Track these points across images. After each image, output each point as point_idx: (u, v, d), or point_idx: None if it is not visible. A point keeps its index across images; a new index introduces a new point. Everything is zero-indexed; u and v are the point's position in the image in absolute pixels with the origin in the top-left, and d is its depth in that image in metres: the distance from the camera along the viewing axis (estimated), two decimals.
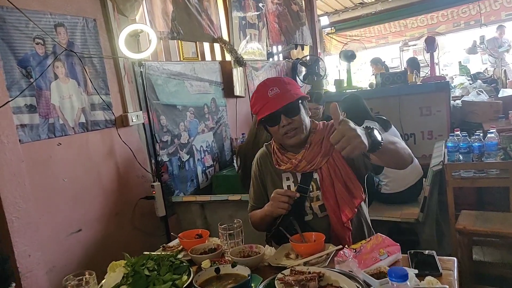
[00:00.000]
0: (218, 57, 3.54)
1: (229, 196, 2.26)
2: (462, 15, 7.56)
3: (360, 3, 7.62)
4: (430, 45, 4.58)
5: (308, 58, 5.09)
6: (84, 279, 1.07)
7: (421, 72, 5.55)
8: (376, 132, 1.11)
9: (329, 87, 5.79)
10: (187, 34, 2.99)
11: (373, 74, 5.63)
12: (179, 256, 1.39)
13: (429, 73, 4.74)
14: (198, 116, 3.03)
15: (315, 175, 1.42)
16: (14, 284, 1.58)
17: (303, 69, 5.04)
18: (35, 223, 1.71)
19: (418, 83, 4.58)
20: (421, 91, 4.22)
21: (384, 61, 6.34)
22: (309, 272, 1.09)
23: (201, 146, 3.04)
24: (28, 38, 1.78)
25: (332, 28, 8.11)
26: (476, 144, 2.47)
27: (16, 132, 1.68)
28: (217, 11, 3.40)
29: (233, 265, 1.17)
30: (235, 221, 1.39)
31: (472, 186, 2.53)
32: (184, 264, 1.23)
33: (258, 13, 4.08)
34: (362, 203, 1.46)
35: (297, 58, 5.09)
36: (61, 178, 1.91)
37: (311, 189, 1.42)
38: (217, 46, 3.51)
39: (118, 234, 2.20)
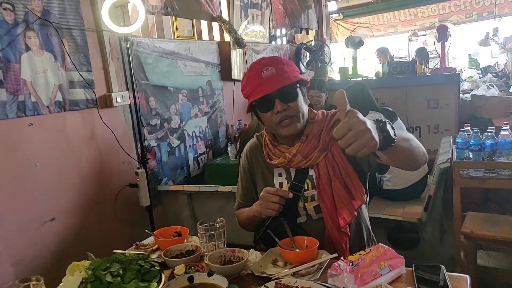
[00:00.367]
0: (216, 37, 3.33)
1: (219, 187, 2.09)
2: (475, 6, 7.32)
3: None
4: (442, 34, 4.36)
5: (313, 43, 4.87)
6: (31, 285, 0.91)
7: (430, 63, 5.33)
8: (389, 127, 0.91)
9: (334, 75, 5.58)
10: (182, 10, 2.78)
11: (380, 63, 5.43)
12: (153, 256, 1.24)
13: (439, 64, 4.52)
14: (191, 99, 2.84)
15: (311, 172, 1.24)
16: None
17: (307, 55, 4.82)
18: None
19: (427, 74, 4.38)
20: (430, 82, 4.08)
21: (391, 52, 6.10)
22: (297, 287, 0.93)
23: (194, 131, 2.86)
24: None
25: (340, 14, 7.85)
26: (488, 141, 2.28)
27: None
28: None
29: (210, 274, 1.01)
30: (218, 220, 1.22)
31: (481, 186, 2.36)
32: (155, 268, 1.07)
33: None
34: (363, 205, 1.28)
35: (301, 43, 4.87)
36: (33, 162, 1.73)
37: (306, 188, 1.24)
38: (215, 25, 3.30)
39: (98, 224, 2.04)
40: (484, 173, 2.29)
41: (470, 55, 6.99)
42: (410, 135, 1.05)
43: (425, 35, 7.51)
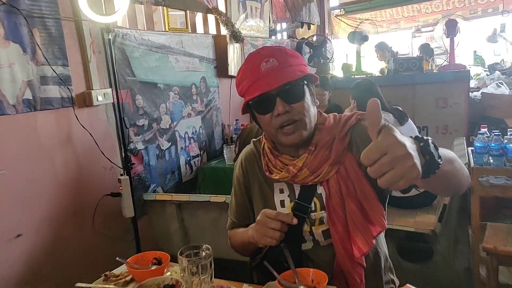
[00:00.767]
0: (212, 30, 3.10)
1: (211, 197, 1.86)
2: (480, 2, 7.12)
3: None
4: (451, 28, 4.14)
5: (314, 38, 4.64)
6: None
7: (437, 60, 5.11)
8: (432, 147, 0.67)
9: (336, 72, 5.35)
10: (175, 0, 2.55)
11: (380, 60, 5.21)
12: None
13: (447, 60, 4.29)
14: (183, 98, 2.60)
15: (320, 190, 1.01)
16: None
17: (309, 50, 4.59)
18: None
19: (434, 71, 4.15)
20: (438, 80, 3.84)
21: (391, 47, 5.85)
22: None
23: (186, 132, 2.63)
24: None
25: (342, 10, 7.63)
26: (511, 145, 2.06)
27: None
28: None
29: None
30: (204, 247, 0.99)
31: (503, 196, 2.13)
32: None
33: None
34: None
35: (303, 38, 4.64)
36: None
37: (313, 209, 1.02)
38: (211, 17, 3.07)
39: (75, 238, 1.81)
40: (507, 180, 2.08)
41: (475, 52, 6.77)
42: (453, 155, 0.80)
43: (431, 31, 7.29)
